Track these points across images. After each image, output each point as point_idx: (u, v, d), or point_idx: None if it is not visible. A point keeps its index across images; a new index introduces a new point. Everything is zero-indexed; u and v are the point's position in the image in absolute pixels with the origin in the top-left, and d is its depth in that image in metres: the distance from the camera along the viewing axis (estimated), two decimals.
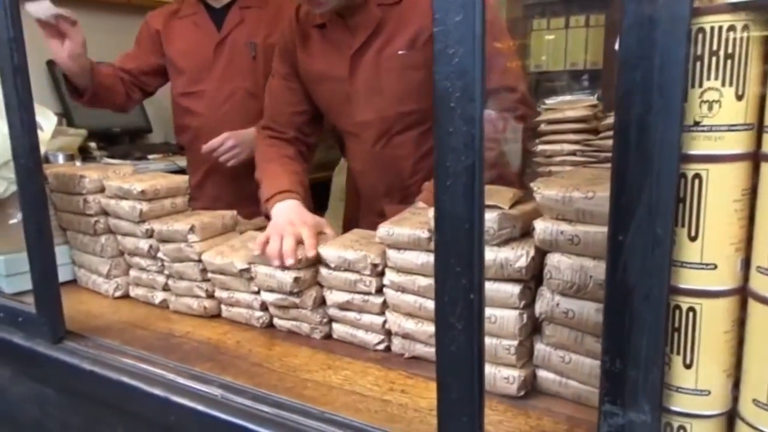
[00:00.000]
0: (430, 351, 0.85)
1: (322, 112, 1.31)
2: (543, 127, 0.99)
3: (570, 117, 0.90)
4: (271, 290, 0.97)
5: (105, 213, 1.17)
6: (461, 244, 0.53)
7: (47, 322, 0.95)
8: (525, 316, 0.74)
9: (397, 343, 0.89)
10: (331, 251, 0.92)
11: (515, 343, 0.74)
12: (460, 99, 0.50)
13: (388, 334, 0.91)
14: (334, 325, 0.96)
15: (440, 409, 0.58)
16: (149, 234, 1.12)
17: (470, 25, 0.48)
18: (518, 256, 0.72)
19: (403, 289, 0.86)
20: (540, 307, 0.72)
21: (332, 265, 0.92)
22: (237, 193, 1.60)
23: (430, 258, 0.82)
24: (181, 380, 0.81)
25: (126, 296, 1.21)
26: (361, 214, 1.36)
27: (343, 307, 0.93)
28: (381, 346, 0.91)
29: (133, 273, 1.18)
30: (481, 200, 0.52)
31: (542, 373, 0.76)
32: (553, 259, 0.69)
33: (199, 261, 1.06)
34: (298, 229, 0.97)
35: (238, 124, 1.54)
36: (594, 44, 2.53)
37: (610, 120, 0.86)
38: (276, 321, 1.01)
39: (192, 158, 1.73)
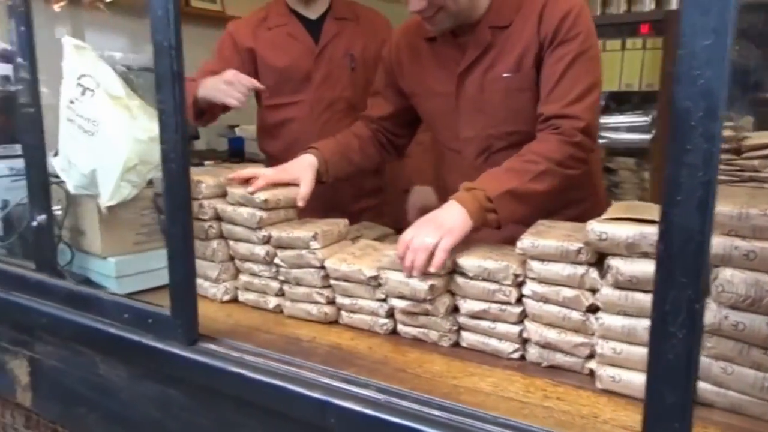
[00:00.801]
0: (570, 360, 0.88)
1: (426, 124, 1.35)
2: None
3: None
4: (402, 297, 0.99)
5: (218, 218, 1.20)
6: (689, 257, 0.55)
7: (182, 324, 0.97)
8: None
9: (533, 352, 0.91)
10: (470, 261, 0.94)
11: None
12: (703, 118, 0.53)
13: (523, 342, 0.93)
14: (464, 333, 0.98)
15: (650, 415, 0.60)
16: (266, 240, 1.14)
17: (720, 49, 0.51)
18: None
19: (546, 300, 0.88)
20: (707, 319, 0.74)
21: (470, 274, 0.94)
22: (327, 203, 1.62)
23: (576, 270, 0.85)
24: (337, 384, 0.83)
25: (233, 301, 1.23)
26: None
27: (477, 315, 0.95)
28: (515, 355, 0.93)
29: (243, 278, 1.20)
30: (712, 215, 0.55)
31: (699, 384, 0.78)
32: (726, 274, 0.72)
33: (321, 268, 1.09)
34: (273, 172, 1.16)
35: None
36: (650, 66, 2.57)
37: (755, 140, 0.89)
38: (401, 328, 1.03)
39: None
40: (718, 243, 0.72)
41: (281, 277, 1.15)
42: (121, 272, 1.23)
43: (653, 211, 0.81)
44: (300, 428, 0.87)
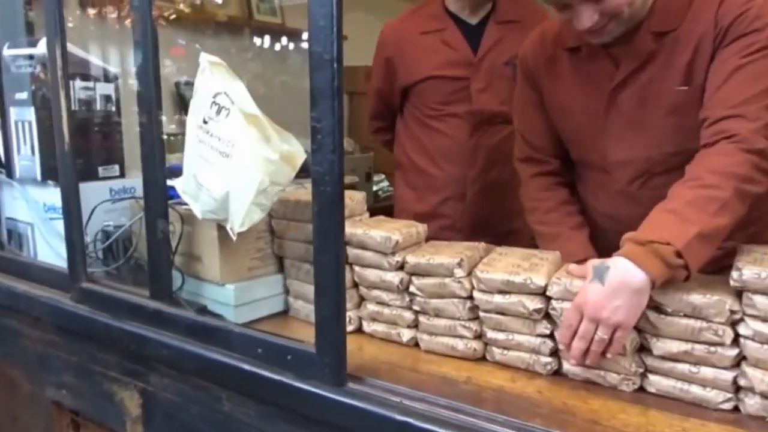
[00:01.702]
0: None
1: (566, 143, 1.22)
2: None
3: None
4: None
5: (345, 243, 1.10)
6: None
7: (330, 363, 0.87)
8: None
9: (753, 403, 0.77)
10: (670, 294, 0.80)
11: None
12: None
13: (736, 391, 0.79)
14: (652, 377, 0.84)
15: None
16: (399, 266, 1.04)
17: None
18: None
19: None
20: None
21: (669, 309, 0.80)
22: (473, 223, 1.53)
23: None
24: None
25: (356, 331, 1.13)
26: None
27: (675, 357, 0.81)
28: (726, 405, 0.79)
29: (371, 307, 1.10)
30: None
31: None
32: None
33: (468, 298, 0.97)
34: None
35: (491, 152, 1.47)
36: None
37: None
38: (569, 368, 0.91)
39: (429, 183, 1.65)
40: None
41: (416, 307, 1.04)
42: (240, 300, 1.15)
43: None
44: None
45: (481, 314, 0.97)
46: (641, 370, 0.85)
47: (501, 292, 0.94)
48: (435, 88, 1.54)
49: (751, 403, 0.77)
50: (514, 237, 1.51)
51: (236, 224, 0.99)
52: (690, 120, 1.00)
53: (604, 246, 1.18)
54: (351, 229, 1.08)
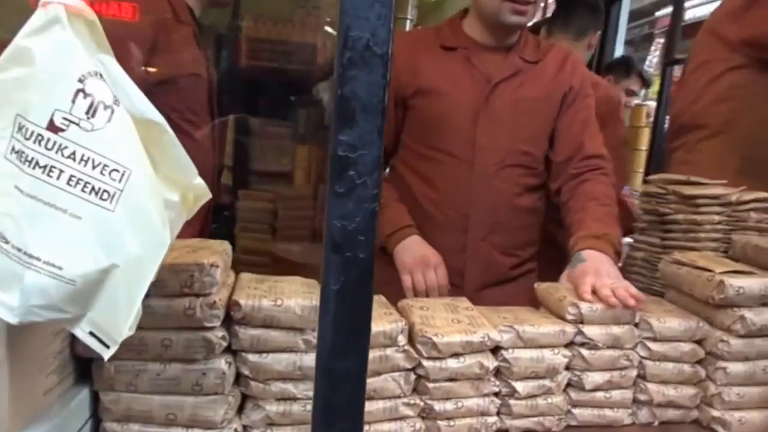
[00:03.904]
0: (677, 413, 0.94)
1: (421, 128, 1.28)
2: None
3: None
4: (529, 378, 0.85)
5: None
6: None
7: None
8: None
9: (643, 414, 0.93)
10: (596, 329, 0.89)
11: None
12: None
13: (637, 404, 0.94)
14: (575, 410, 0.91)
15: None
16: None
17: None
18: None
19: (664, 358, 0.92)
20: None
21: (600, 344, 0.89)
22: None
23: (690, 324, 0.92)
24: None
25: None
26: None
27: (599, 387, 0.91)
28: (629, 420, 0.93)
29: (271, 408, 0.77)
30: None
31: None
32: None
33: (410, 370, 0.82)
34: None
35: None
36: None
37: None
38: (510, 423, 0.87)
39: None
40: None
41: None
42: None
43: (725, 260, 0.99)
44: None
45: (430, 386, 0.82)
46: (570, 406, 0.91)
47: (455, 355, 0.83)
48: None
49: (642, 414, 0.93)
50: None
51: (122, 326, 0.52)
52: (540, 127, 1.29)
53: (441, 238, 1.27)
54: (248, 301, 0.74)
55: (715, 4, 1.51)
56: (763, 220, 1.14)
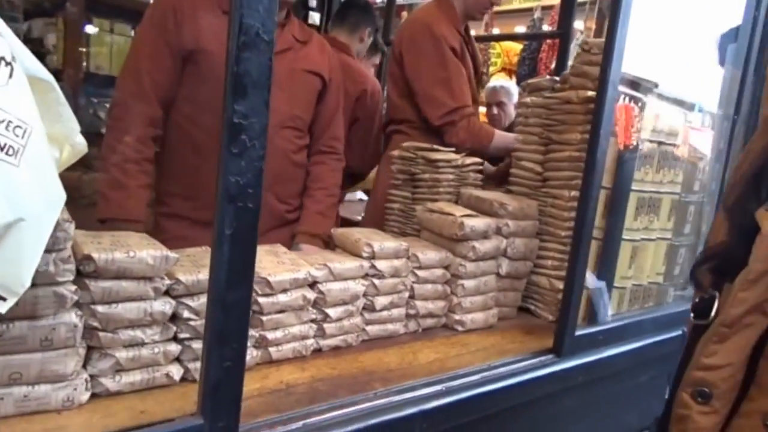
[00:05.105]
0: (433, 321, 1.28)
1: (192, 92, 1.35)
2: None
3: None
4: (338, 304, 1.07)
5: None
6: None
7: (229, 427, 0.68)
8: None
9: (411, 324, 1.25)
10: (384, 263, 1.15)
11: None
12: None
13: (408, 318, 1.24)
14: (368, 328, 1.17)
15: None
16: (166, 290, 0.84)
17: None
18: None
19: (426, 281, 1.24)
20: None
21: (386, 275, 1.15)
22: None
23: (441, 254, 1.26)
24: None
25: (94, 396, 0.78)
26: (176, 200, 1.43)
27: (386, 307, 1.17)
28: (403, 330, 1.23)
29: (121, 355, 0.80)
30: None
31: None
32: None
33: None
34: None
35: None
36: None
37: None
38: (324, 342, 1.08)
39: None
40: None
41: (185, 335, 0.87)
42: None
43: (460, 207, 1.35)
44: None
45: (264, 318, 0.96)
46: (364, 326, 1.16)
47: (284, 290, 0.98)
48: None
49: (411, 324, 1.25)
50: None
51: (24, 277, 0.52)
52: (308, 99, 1.50)
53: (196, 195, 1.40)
54: (101, 255, 0.75)
55: None
56: (478, 179, 1.58)
